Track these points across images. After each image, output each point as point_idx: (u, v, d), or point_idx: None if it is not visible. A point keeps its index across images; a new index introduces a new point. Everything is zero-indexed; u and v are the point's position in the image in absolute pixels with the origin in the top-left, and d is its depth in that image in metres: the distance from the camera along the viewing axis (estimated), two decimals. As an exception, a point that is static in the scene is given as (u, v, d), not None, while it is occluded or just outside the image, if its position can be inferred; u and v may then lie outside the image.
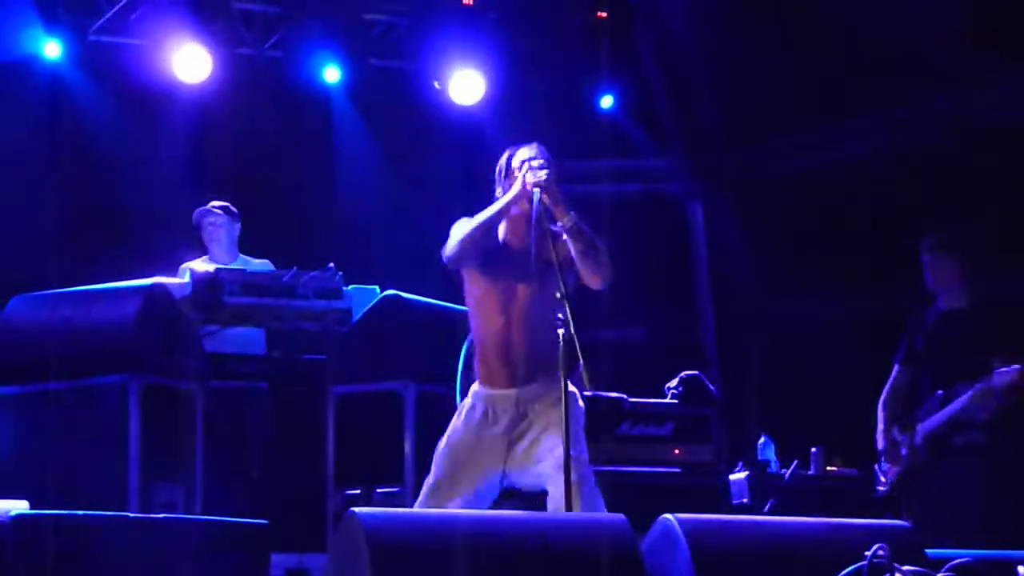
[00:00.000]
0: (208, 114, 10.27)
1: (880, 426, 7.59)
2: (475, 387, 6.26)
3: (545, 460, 6.00)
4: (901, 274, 8.51)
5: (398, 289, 7.80)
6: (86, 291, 7.39)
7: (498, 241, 6.23)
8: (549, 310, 5.94)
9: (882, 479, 7.62)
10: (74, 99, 10.16)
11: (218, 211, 8.78)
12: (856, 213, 10.60)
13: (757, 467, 9.10)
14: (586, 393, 5.60)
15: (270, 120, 10.65)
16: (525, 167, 6.05)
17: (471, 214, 6.17)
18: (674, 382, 8.76)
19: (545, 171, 6.01)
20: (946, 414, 7.31)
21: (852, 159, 10.96)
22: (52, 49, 9.59)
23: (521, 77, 10.75)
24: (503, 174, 6.24)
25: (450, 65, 10.57)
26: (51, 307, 7.34)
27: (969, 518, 7.07)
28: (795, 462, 9.18)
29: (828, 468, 9.16)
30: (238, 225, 8.86)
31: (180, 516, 6.01)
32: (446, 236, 6.18)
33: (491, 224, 6.12)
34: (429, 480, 6.16)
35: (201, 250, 8.80)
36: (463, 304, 6.36)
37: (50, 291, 7.52)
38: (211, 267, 8.08)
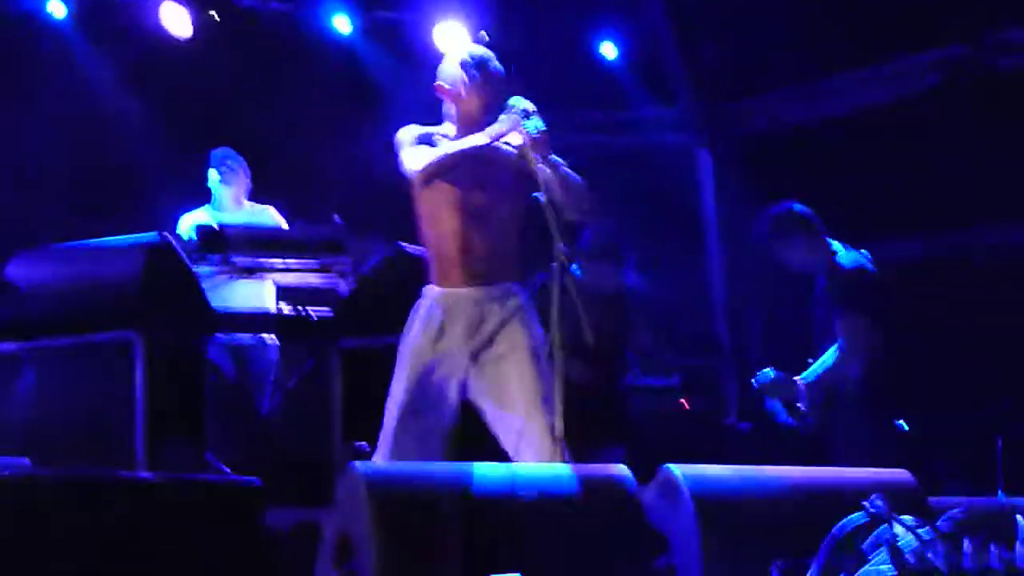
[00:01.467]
0: (210, 68, 10.23)
1: None
2: (428, 289, 6.15)
3: (512, 388, 5.92)
4: (910, 224, 8.52)
5: (403, 242, 7.77)
6: (89, 245, 7.35)
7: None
8: (514, 221, 5.99)
9: None
10: (75, 54, 10.13)
11: (237, 156, 8.79)
12: (865, 163, 10.54)
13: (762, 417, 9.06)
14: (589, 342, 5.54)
15: (278, 72, 10.61)
16: (517, 116, 5.95)
17: None
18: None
19: (544, 132, 5.92)
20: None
21: (862, 108, 10.90)
22: (57, 8, 9.59)
23: (520, 27, 10.67)
24: (466, 70, 6.17)
25: (437, 14, 10.49)
26: (54, 262, 7.31)
27: None
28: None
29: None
30: (249, 175, 8.87)
31: (165, 474, 5.98)
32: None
33: (464, 156, 6.03)
34: (391, 401, 6.07)
35: (201, 199, 8.78)
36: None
37: (53, 245, 7.49)
38: (213, 220, 8.06)
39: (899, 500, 4.46)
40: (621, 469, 5.13)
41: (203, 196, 8.89)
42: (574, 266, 7.75)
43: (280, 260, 7.92)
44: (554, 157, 5.98)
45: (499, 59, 6.25)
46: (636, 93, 11.71)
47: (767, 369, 7.43)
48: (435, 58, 10.40)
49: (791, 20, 10.64)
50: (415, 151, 6.07)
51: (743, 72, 11.48)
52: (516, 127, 5.95)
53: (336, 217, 8.12)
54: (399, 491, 4.75)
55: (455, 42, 10.40)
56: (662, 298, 11.28)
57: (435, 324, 6.06)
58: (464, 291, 6.05)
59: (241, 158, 8.87)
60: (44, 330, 7.05)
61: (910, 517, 4.33)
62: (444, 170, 6.02)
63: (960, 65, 10.18)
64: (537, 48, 10.86)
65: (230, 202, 8.78)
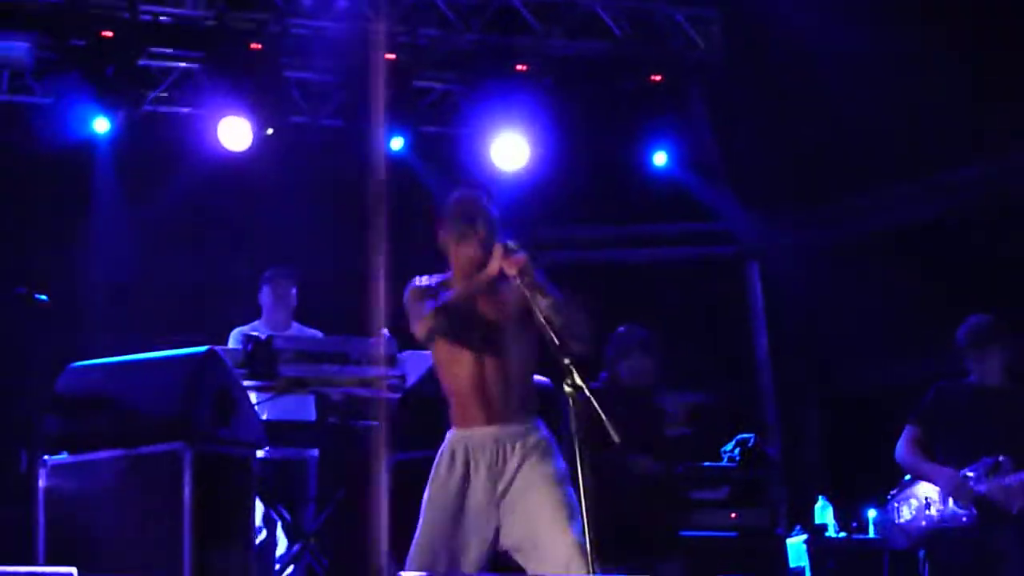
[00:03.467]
0: (259, 183, 10.33)
1: (924, 467, 7.70)
2: (450, 433, 6.19)
3: (538, 517, 5.91)
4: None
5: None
6: (139, 359, 7.41)
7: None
8: (527, 355, 6.01)
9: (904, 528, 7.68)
10: (124, 167, 10.25)
11: (287, 274, 8.87)
12: (914, 276, 10.51)
13: (814, 531, 8.99)
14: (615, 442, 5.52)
15: (323, 187, 10.70)
16: (499, 251, 5.97)
17: None
18: (730, 445, 8.70)
19: (522, 256, 5.94)
20: (1006, 482, 7.48)
21: (912, 222, 10.90)
22: (101, 124, 9.70)
23: (569, 142, 10.75)
24: (454, 222, 6.20)
25: (495, 129, 10.57)
26: (104, 376, 7.36)
27: None
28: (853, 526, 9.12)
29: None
30: (296, 296, 8.94)
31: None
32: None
33: (460, 306, 6.06)
34: (416, 539, 6.07)
35: (251, 316, 8.85)
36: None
37: (103, 360, 7.55)
38: (263, 334, 8.11)
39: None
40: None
41: (256, 312, 8.96)
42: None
43: (328, 373, 7.94)
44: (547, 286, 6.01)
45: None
46: (686, 206, 11.75)
47: None
48: (489, 172, 10.63)
49: (839, 133, 10.67)
50: (417, 313, 6.14)
51: (792, 184, 11.50)
52: (502, 261, 5.96)
53: (385, 331, 8.14)
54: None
55: (510, 156, 10.51)
56: (713, 407, 11.27)
57: (459, 471, 6.09)
58: (484, 430, 6.08)
59: (292, 278, 8.93)
60: (94, 442, 7.08)
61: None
62: (442, 327, 6.07)
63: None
64: (589, 162, 10.96)
65: (279, 320, 8.85)
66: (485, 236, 6.11)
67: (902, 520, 7.77)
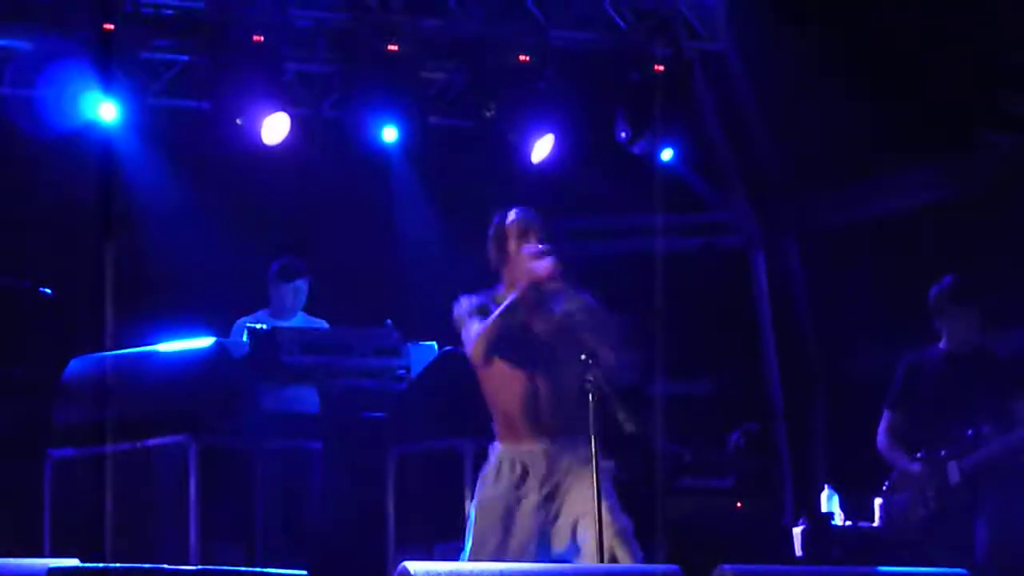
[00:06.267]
0: (265, 175, 10.32)
1: (899, 463, 7.64)
2: (498, 447, 6.13)
3: (583, 517, 5.90)
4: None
5: (457, 346, 7.77)
6: (144, 352, 7.43)
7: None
8: (573, 366, 5.91)
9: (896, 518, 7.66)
10: (131, 161, 10.24)
11: (298, 265, 8.86)
12: (917, 262, 10.48)
13: (820, 519, 8.97)
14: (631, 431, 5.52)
15: (327, 180, 10.69)
16: (529, 259, 6.01)
17: None
18: (736, 434, 8.70)
19: (551, 261, 5.98)
20: (995, 449, 7.41)
21: (916, 207, 10.87)
22: (108, 112, 9.66)
23: (573, 133, 10.72)
24: (500, 239, 6.19)
25: (525, 125, 10.51)
26: (110, 368, 7.38)
27: None
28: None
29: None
30: (306, 285, 8.93)
31: (216, 568, 5.97)
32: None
33: (506, 320, 6.02)
34: (468, 555, 6.02)
35: (257, 306, 8.84)
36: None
37: (109, 352, 7.57)
38: (267, 325, 8.11)
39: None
40: (672, 569, 5.09)
41: (263, 300, 8.96)
42: None
43: (332, 364, 7.93)
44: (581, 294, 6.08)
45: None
46: (691, 196, 11.73)
47: None
48: (493, 162, 10.62)
49: (843, 121, 10.65)
50: (471, 332, 6.09)
51: (797, 173, 11.48)
52: (532, 274, 5.99)
53: (389, 321, 8.14)
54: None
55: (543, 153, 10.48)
56: (719, 399, 11.27)
57: (509, 481, 6.04)
58: (534, 445, 6.04)
59: (302, 268, 8.93)
60: (100, 435, 7.10)
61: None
62: (493, 346, 6.02)
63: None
64: (595, 153, 10.93)
65: (286, 311, 8.84)
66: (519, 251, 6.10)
67: (900, 510, 7.71)
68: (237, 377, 7.41)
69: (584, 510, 5.88)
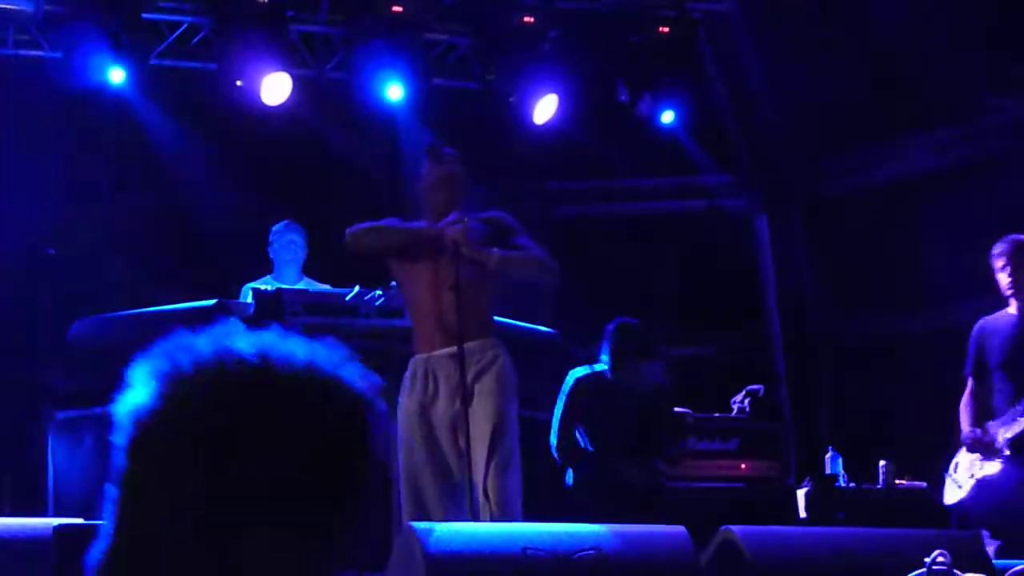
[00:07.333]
0: (269, 136, 10.29)
1: (966, 425, 7.49)
2: (414, 358, 6.44)
3: (476, 431, 6.16)
4: (968, 290, 8.42)
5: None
6: (147, 313, 7.40)
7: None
8: (480, 278, 6.27)
9: (958, 486, 7.49)
10: (138, 122, 10.22)
11: (295, 229, 8.85)
12: (923, 228, 10.47)
13: (824, 481, 8.97)
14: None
15: (334, 140, 10.67)
16: (453, 227, 6.28)
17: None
18: (740, 396, 8.68)
19: (461, 230, 6.26)
20: None
21: (918, 173, 10.85)
22: (116, 75, 9.63)
23: (578, 95, 10.68)
24: (422, 174, 6.59)
25: (529, 86, 10.47)
26: (113, 330, 7.35)
27: None
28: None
29: (897, 482, 9.01)
30: (306, 248, 8.91)
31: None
32: None
33: (401, 242, 6.45)
34: (405, 470, 6.33)
35: (264, 269, 8.83)
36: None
37: (111, 313, 7.53)
38: (273, 287, 8.08)
39: (963, 558, 4.39)
40: (678, 530, 5.09)
41: (268, 267, 8.96)
42: (605, 368, 7.74)
43: (337, 325, 7.90)
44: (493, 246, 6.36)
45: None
46: (694, 160, 11.70)
47: None
48: (496, 124, 10.59)
49: (847, 86, 10.62)
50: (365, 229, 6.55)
51: (801, 138, 11.45)
52: (449, 230, 6.28)
53: (393, 284, 8.11)
54: (454, 550, 4.72)
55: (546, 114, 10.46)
56: (722, 363, 11.26)
57: (420, 392, 6.36)
58: (442, 351, 6.31)
59: (302, 231, 8.91)
60: (103, 397, 7.08)
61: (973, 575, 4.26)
62: (374, 239, 6.51)
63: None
64: (597, 116, 10.90)
65: (290, 274, 8.82)
66: (451, 196, 6.44)
67: (959, 485, 7.54)
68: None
69: (475, 433, 6.15)
